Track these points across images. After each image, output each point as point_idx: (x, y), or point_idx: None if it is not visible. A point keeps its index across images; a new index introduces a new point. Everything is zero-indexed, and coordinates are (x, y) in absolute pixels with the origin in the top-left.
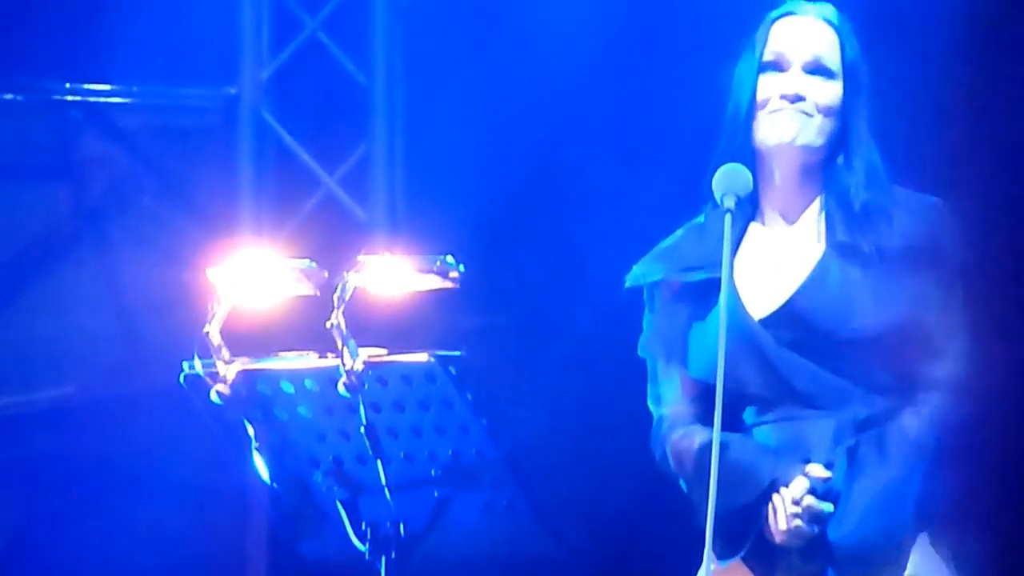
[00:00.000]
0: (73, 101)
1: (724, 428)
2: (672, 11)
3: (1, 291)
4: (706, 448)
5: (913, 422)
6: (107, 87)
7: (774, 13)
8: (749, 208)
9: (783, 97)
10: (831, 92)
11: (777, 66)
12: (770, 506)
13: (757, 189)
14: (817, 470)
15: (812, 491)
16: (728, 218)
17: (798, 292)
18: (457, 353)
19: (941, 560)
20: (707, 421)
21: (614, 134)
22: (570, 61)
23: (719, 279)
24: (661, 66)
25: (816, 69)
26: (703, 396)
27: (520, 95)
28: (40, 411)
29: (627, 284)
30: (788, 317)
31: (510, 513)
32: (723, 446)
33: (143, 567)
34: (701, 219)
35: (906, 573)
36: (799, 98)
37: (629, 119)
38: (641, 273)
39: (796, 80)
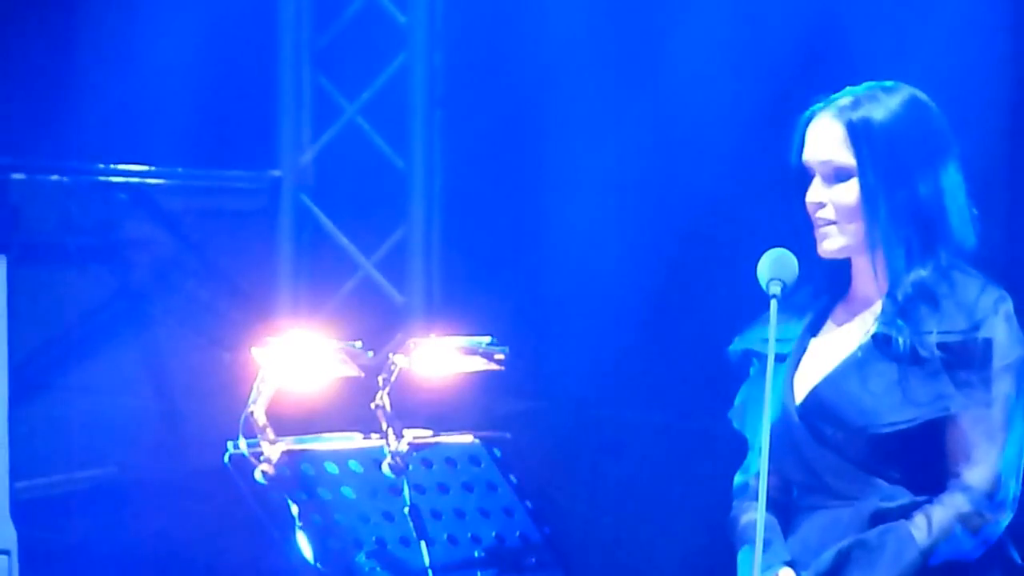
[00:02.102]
0: (117, 183)
1: (780, 507)
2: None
3: (45, 371)
4: (744, 527)
5: (923, 525)
6: (151, 169)
7: (806, 114)
8: (840, 288)
9: (810, 205)
10: (850, 193)
11: (807, 173)
12: None
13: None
14: (787, 574)
15: None
16: (774, 304)
17: (823, 381)
18: (502, 435)
19: None
20: (770, 495)
21: (645, 220)
22: (602, 145)
23: (785, 356)
24: (720, 145)
25: (831, 175)
26: (769, 471)
27: (556, 180)
28: (82, 491)
29: (729, 348)
30: (814, 405)
31: None
32: (744, 528)
33: None
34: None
35: None
36: (820, 206)
37: (669, 201)
38: (738, 340)
39: (816, 189)
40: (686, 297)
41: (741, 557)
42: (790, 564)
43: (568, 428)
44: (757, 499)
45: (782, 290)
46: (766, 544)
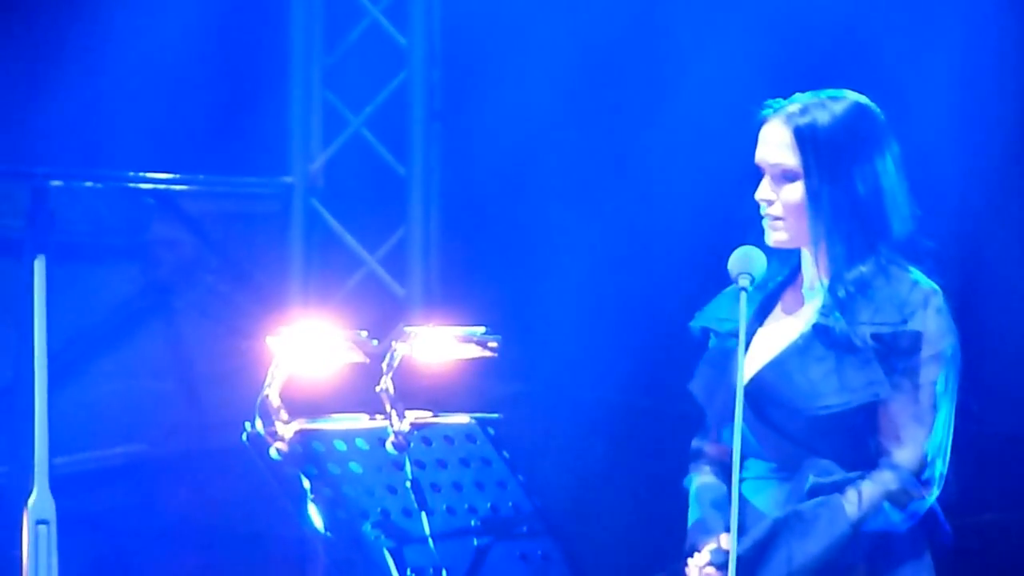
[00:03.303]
0: (145, 188)
1: (728, 476)
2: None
3: (81, 357)
4: (696, 491)
5: (854, 500)
6: (175, 176)
7: (759, 117)
8: (792, 276)
9: (760, 201)
10: (795, 193)
11: (760, 171)
12: (688, 566)
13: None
14: (725, 540)
15: (712, 560)
16: (743, 297)
17: (768, 365)
18: (495, 416)
19: None
20: (717, 462)
21: (625, 215)
22: (591, 146)
23: (733, 337)
24: (699, 142)
25: (779, 175)
26: (718, 441)
27: (543, 184)
28: (114, 466)
29: (691, 324)
30: (758, 386)
31: (544, 562)
32: (696, 497)
33: None
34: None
35: None
36: (769, 203)
37: (647, 199)
38: (697, 316)
39: (765, 188)
40: (665, 288)
41: (690, 515)
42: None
43: (555, 409)
44: (709, 463)
45: (751, 283)
46: (711, 511)
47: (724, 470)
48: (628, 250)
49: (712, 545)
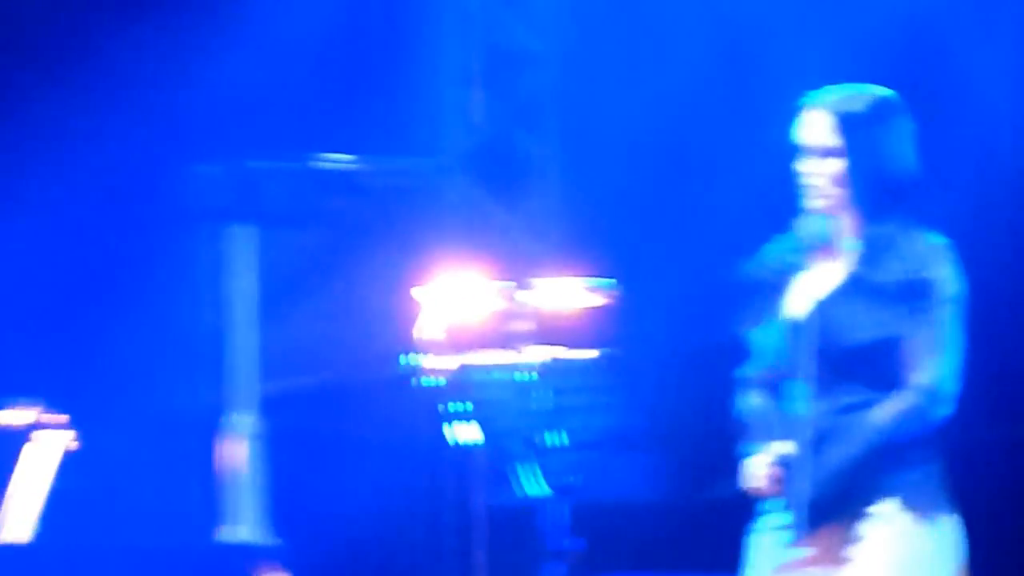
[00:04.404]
0: (328, 168)
1: (772, 399)
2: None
3: (278, 305)
4: (748, 411)
5: (881, 415)
6: (352, 157)
7: (800, 104)
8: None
9: (803, 175)
10: (835, 166)
11: (802, 151)
12: (747, 466)
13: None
14: (781, 446)
15: (772, 461)
16: (826, 254)
17: (813, 308)
18: (613, 350)
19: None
20: (765, 388)
21: (727, 180)
22: (690, 137)
23: (784, 284)
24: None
25: (820, 153)
26: (765, 371)
27: (644, 162)
28: (304, 391)
29: (743, 275)
30: (807, 325)
31: (652, 470)
32: (749, 411)
33: (377, 508)
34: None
35: (868, 523)
36: (810, 175)
37: (741, 170)
38: (749, 268)
39: (809, 163)
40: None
41: (745, 427)
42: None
43: (660, 344)
44: (757, 387)
45: (817, 243)
46: (767, 422)
47: (767, 392)
48: (715, 214)
49: (769, 449)
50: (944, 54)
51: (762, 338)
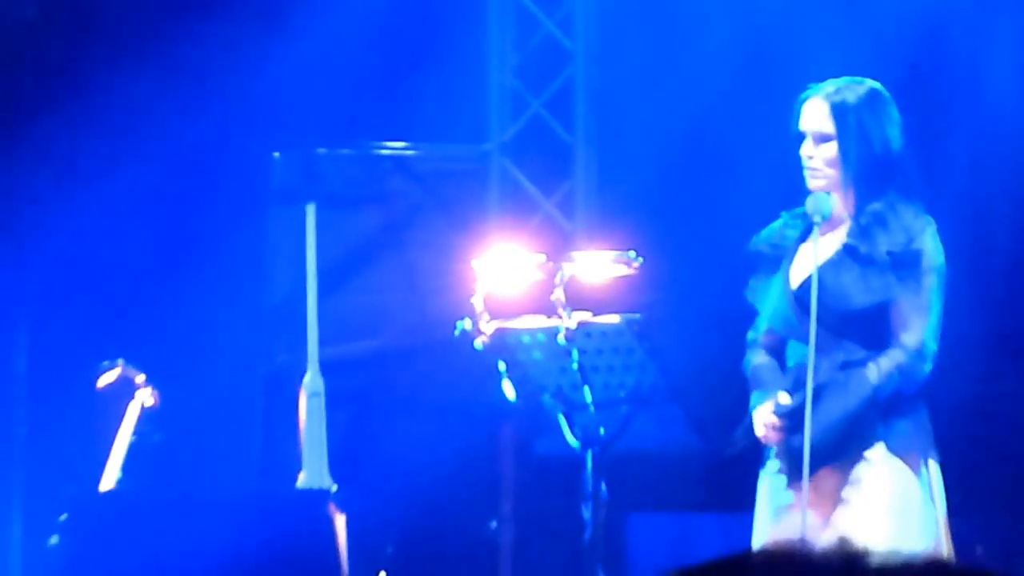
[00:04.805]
0: (385, 154)
1: (777, 355)
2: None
3: (340, 276)
4: (754, 368)
5: (874, 371)
6: (406, 144)
7: (801, 96)
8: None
9: (804, 157)
10: (830, 151)
11: (802, 136)
12: (754, 417)
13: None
14: (783, 398)
15: (776, 411)
16: (816, 229)
17: (813, 276)
18: (637, 316)
19: (889, 461)
20: (767, 348)
21: (750, 162)
22: (707, 124)
23: (783, 255)
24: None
25: (818, 138)
26: (769, 332)
27: (673, 145)
28: (361, 356)
29: (748, 248)
30: (804, 290)
31: (674, 423)
32: (756, 368)
33: (431, 458)
34: (798, 209)
35: (862, 466)
36: (810, 158)
37: (760, 156)
38: (754, 241)
39: (807, 147)
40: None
41: (752, 391)
42: (785, 391)
43: (683, 311)
44: (761, 347)
45: (821, 218)
46: (771, 378)
47: (771, 351)
48: (740, 198)
49: (773, 401)
50: (950, 48)
51: (766, 303)
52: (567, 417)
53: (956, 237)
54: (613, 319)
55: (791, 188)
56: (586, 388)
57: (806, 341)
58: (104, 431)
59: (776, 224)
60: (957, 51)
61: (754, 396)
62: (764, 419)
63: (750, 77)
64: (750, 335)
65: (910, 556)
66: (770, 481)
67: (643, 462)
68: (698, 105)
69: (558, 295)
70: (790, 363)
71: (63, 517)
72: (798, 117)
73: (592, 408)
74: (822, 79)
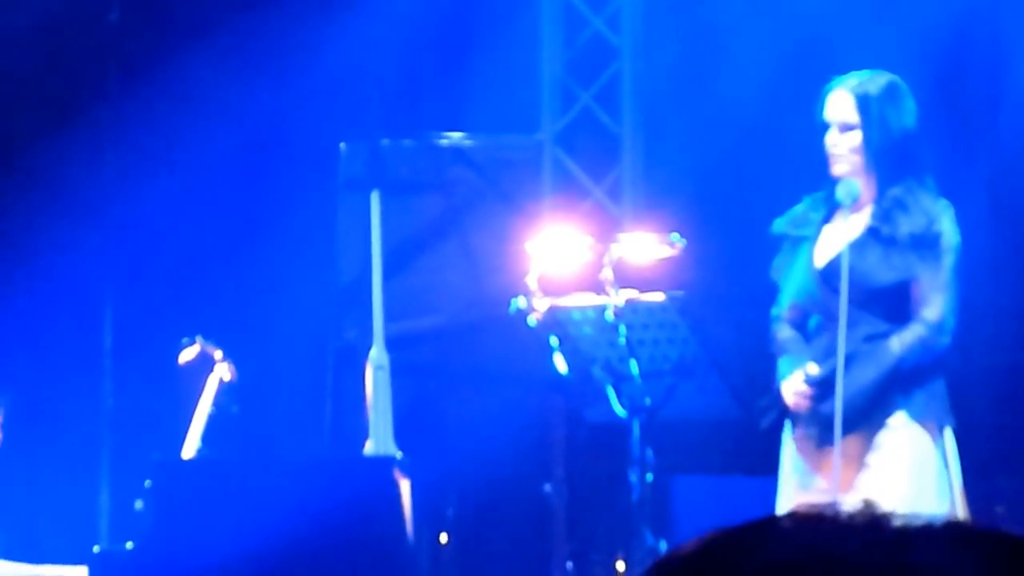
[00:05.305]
0: (445, 144)
1: (801, 329)
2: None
3: (403, 258)
4: (782, 341)
5: (896, 343)
6: (465, 134)
7: (826, 88)
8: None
9: (828, 145)
10: (854, 139)
11: (827, 126)
12: (783, 386)
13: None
14: (812, 368)
15: (806, 381)
16: (840, 211)
17: (837, 256)
18: (681, 293)
19: (910, 427)
20: (792, 322)
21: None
22: (742, 113)
23: (807, 237)
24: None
25: (842, 127)
26: (792, 308)
27: (711, 134)
28: (423, 331)
29: (772, 230)
30: (832, 269)
31: (714, 393)
32: (783, 341)
33: (490, 425)
34: (819, 194)
35: (884, 432)
36: (834, 146)
37: (789, 149)
38: (777, 224)
39: (832, 135)
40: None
41: (779, 363)
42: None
43: (722, 287)
44: (786, 322)
45: (851, 202)
46: (797, 350)
47: (794, 325)
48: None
49: (802, 371)
50: (979, 41)
51: (790, 281)
52: (615, 388)
53: (981, 217)
54: (658, 296)
55: (814, 174)
56: (633, 361)
57: (830, 316)
58: (185, 403)
59: (798, 208)
60: (985, 44)
61: (781, 366)
62: (795, 388)
63: (785, 69)
64: (774, 311)
65: (930, 518)
66: (796, 446)
67: (686, 429)
68: (736, 96)
69: (607, 274)
70: (812, 337)
71: (147, 483)
72: (822, 107)
73: (638, 379)
74: (849, 71)
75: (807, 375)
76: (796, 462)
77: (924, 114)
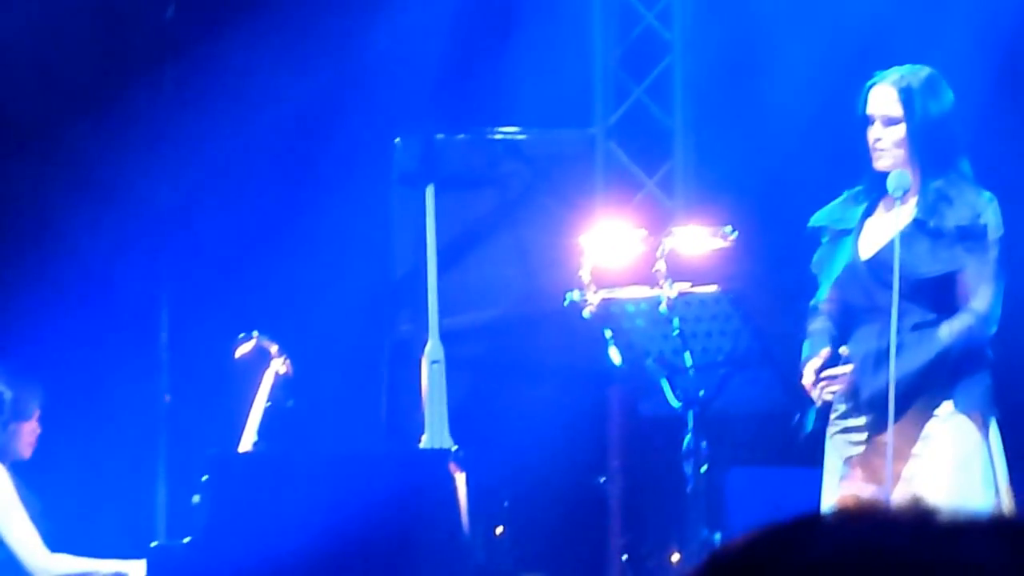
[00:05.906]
0: (498, 139)
1: (836, 321)
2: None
3: (458, 251)
4: (812, 331)
5: (944, 331)
6: (518, 128)
7: (868, 83)
8: (878, 190)
9: (871, 139)
10: (898, 132)
11: (870, 120)
12: (805, 368)
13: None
14: (844, 350)
15: (827, 365)
16: (898, 202)
17: (886, 247)
18: (733, 285)
19: (955, 416)
20: (828, 314)
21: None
22: (790, 108)
23: (849, 230)
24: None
25: (886, 121)
26: (830, 300)
27: (761, 127)
28: (478, 325)
29: (809, 224)
30: (879, 261)
31: (767, 384)
32: (815, 331)
33: (545, 418)
34: (857, 188)
35: (932, 423)
36: (877, 140)
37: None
38: (815, 219)
39: (876, 129)
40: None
41: (803, 345)
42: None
43: (774, 280)
44: (823, 314)
45: (902, 193)
46: (829, 338)
47: (831, 317)
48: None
49: (825, 353)
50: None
51: (831, 274)
52: (669, 380)
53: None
54: (711, 289)
55: (855, 168)
56: (686, 353)
57: (876, 307)
58: (241, 397)
59: (837, 202)
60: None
61: (806, 349)
62: (839, 378)
63: (835, 62)
64: (812, 303)
65: (977, 513)
66: (841, 438)
67: (739, 421)
68: (786, 90)
69: (660, 267)
70: (854, 329)
71: (204, 477)
72: (864, 102)
73: (692, 371)
74: (891, 66)
75: (850, 366)
76: (840, 453)
77: (973, 108)
